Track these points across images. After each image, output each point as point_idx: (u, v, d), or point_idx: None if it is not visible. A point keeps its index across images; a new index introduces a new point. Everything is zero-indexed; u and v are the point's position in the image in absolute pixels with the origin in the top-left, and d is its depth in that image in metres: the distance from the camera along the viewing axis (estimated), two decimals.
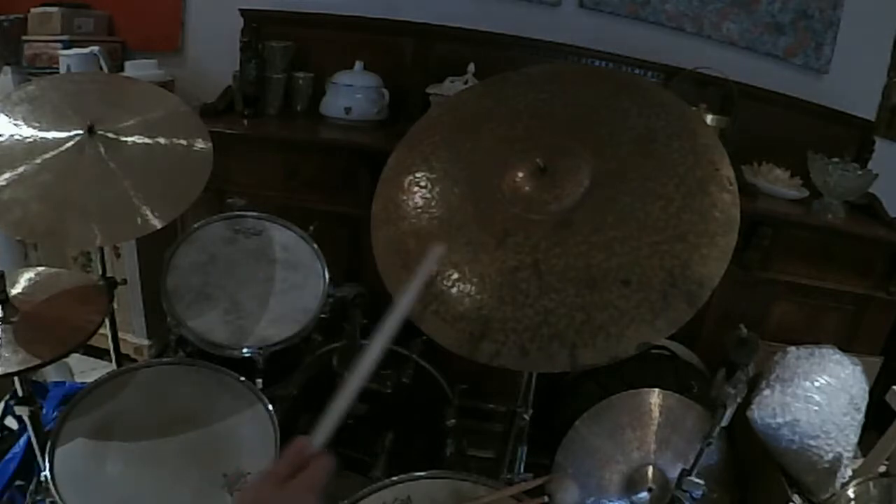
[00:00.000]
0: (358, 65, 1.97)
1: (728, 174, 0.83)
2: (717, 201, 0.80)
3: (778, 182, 1.86)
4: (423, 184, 0.98)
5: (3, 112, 1.20)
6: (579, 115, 0.96)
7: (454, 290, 0.86)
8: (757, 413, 1.38)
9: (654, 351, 1.66)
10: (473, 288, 0.85)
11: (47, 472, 0.99)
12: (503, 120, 1.01)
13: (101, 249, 1.39)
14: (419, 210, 0.96)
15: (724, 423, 0.94)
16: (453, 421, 1.38)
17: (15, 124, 1.18)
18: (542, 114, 0.99)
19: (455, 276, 0.87)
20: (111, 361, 1.48)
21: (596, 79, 1.07)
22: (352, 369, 0.67)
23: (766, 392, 1.40)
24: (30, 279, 1.16)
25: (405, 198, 0.98)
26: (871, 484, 1.35)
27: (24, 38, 2.06)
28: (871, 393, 1.47)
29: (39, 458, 1.11)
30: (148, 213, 1.14)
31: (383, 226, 0.99)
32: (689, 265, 0.77)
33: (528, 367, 0.91)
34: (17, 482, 1.38)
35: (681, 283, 0.76)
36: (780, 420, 1.36)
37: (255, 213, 1.48)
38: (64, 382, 1.63)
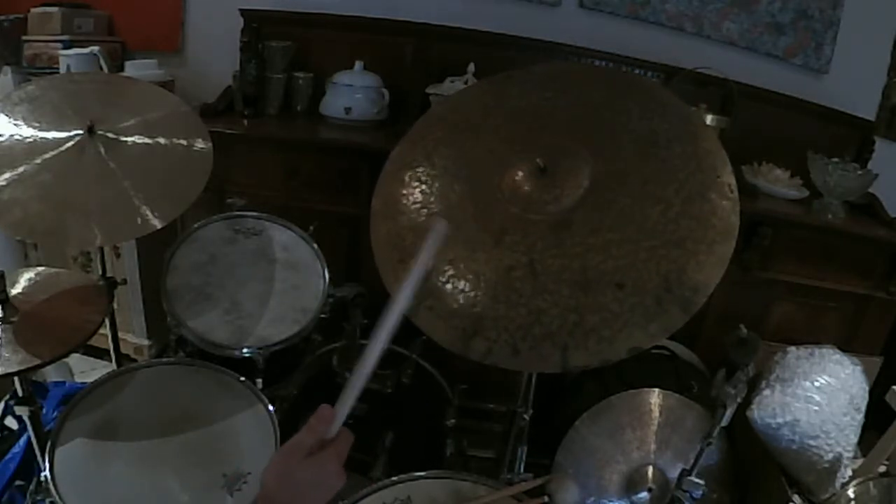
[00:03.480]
0: (358, 65, 1.97)
1: (729, 181, 0.82)
2: (717, 208, 0.80)
3: (778, 182, 1.86)
4: (423, 179, 0.98)
5: (3, 112, 1.20)
6: (580, 115, 0.96)
7: (449, 286, 0.87)
8: (757, 413, 1.38)
9: (654, 351, 1.66)
10: (468, 285, 0.85)
11: (47, 472, 0.99)
12: (504, 119, 1.01)
13: (101, 249, 1.39)
14: (418, 206, 0.96)
15: (724, 423, 0.94)
16: (453, 421, 1.38)
17: (15, 124, 1.18)
18: (543, 113, 0.99)
19: (451, 272, 0.87)
20: (111, 361, 1.48)
21: (598, 79, 1.07)
22: (370, 341, 0.66)
23: (766, 392, 1.40)
24: (30, 279, 1.17)
25: (405, 192, 0.98)
26: (871, 484, 1.35)
27: (24, 38, 2.06)
28: (871, 393, 1.47)
29: (39, 458, 1.11)
30: (148, 213, 1.14)
31: (383, 221, 0.99)
32: (685, 271, 0.76)
33: (519, 366, 0.92)
34: (17, 482, 1.38)
35: (676, 288, 0.76)
36: (780, 420, 1.36)
37: (255, 213, 1.47)
38: (64, 382, 1.63)
